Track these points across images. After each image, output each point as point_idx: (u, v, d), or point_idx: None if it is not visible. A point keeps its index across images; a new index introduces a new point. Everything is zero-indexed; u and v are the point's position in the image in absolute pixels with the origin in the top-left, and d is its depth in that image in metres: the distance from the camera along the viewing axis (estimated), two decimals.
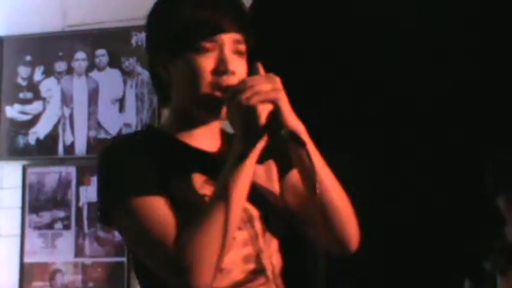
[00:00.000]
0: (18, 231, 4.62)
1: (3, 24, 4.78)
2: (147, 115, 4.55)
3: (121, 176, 1.71)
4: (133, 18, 4.63)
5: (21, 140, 4.70)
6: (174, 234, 1.66)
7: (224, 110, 1.76)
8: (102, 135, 4.61)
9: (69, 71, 4.70)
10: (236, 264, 1.75)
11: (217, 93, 1.76)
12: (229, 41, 1.78)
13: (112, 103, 4.62)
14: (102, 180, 1.77)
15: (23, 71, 4.75)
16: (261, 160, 1.78)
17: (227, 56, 1.77)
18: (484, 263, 3.32)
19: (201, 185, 1.77)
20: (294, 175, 1.86)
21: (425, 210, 3.85)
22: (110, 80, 4.64)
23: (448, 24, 3.99)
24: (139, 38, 4.61)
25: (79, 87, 4.68)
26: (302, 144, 1.66)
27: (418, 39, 4.06)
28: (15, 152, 4.70)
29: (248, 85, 1.68)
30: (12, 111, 4.74)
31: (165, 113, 1.93)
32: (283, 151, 1.78)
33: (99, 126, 4.62)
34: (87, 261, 4.55)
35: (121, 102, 4.61)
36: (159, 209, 1.69)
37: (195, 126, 1.83)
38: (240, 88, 1.69)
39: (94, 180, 4.58)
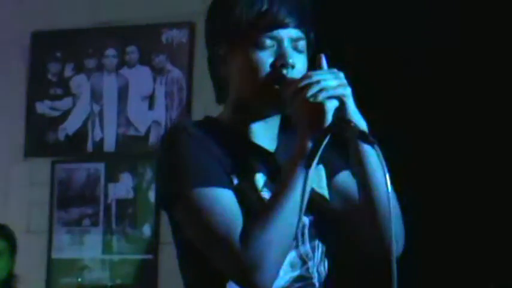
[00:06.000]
0: (46, 227, 4.63)
1: (34, 20, 4.78)
2: (176, 113, 4.54)
3: (187, 167, 1.67)
4: (163, 15, 4.62)
5: (50, 136, 4.70)
6: (239, 230, 1.62)
7: (283, 104, 1.71)
8: (131, 132, 4.60)
9: (99, 67, 4.69)
10: (283, 271, 1.70)
11: (276, 87, 1.71)
12: (288, 37, 1.74)
13: (142, 100, 4.61)
14: (166, 168, 1.72)
15: (53, 66, 4.75)
16: None
17: (286, 50, 1.73)
18: None
19: (262, 187, 1.73)
20: (342, 177, 1.84)
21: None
22: (140, 77, 4.63)
23: None
24: (169, 35, 4.60)
25: (109, 83, 4.67)
26: (371, 143, 1.60)
27: None
28: (44, 148, 4.70)
29: (314, 80, 1.64)
30: (42, 107, 4.74)
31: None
32: (331, 154, 1.76)
33: (129, 123, 4.61)
34: (115, 257, 4.54)
35: (151, 99, 4.60)
36: (225, 203, 1.65)
37: (254, 120, 1.78)
38: (304, 83, 1.64)
39: (123, 176, 4.58)
